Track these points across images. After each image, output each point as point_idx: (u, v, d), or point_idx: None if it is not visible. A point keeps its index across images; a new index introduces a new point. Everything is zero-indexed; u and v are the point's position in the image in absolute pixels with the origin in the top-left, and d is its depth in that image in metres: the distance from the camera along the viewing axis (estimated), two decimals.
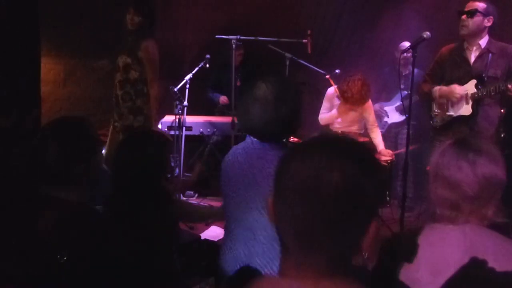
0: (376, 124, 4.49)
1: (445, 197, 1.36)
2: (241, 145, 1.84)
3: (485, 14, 3.26)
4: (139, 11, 3.69)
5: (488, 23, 3.28)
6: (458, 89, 3.34)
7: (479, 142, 1.40)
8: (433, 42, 3.33)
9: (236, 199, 1.75)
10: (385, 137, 4.80)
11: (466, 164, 1.33)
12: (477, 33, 3.31)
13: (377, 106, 4.92)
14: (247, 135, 1.82)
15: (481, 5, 3.25)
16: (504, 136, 4.04)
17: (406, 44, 4.45)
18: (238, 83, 5.10)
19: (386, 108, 4.96)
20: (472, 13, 3.26)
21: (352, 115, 4.50)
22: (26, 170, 2.00)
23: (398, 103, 4.85)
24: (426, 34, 3.09)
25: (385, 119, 4.96)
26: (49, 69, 5.34)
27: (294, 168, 0.87)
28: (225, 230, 1.87)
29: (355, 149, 0.91)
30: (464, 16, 3.30)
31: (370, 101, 4.45)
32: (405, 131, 4.08)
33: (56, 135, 1.69)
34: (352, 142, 0.95)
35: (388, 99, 5.02)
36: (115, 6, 4.16)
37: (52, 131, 1.71)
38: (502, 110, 3.67)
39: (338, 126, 4.57)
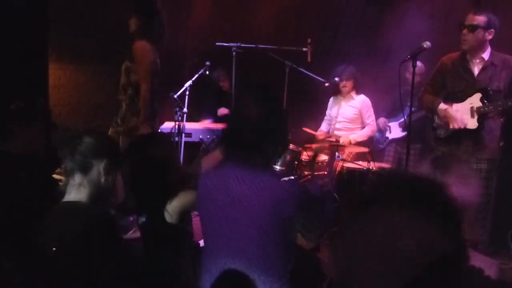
0: (369, 123, 4.73)
1: None
2: (225, 169, 1.77)
3: (486, 27, 3.20)
4: (139, 16, 3.73)
5: (489, 36, 3.24)
6: (461, 118, 3.28)
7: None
8: (435, 51, 3.34)
9: (222, 225, 1.70)
10: (385, 151, 4.84)
11: None
12: (478, 47, 3.27)
13: (381, 120, 4.94)
14: (230, 160, 1.77)
15: (482, 19, 3.19)
16: (502, 145, 4.05)
17: (422, 65, 4.33)
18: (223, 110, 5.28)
19: (390, 124, 4.95)
20: (473, 28, 3.20)
21: (350, 110, 4.72)
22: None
23: (402, 119, 4.84)
24: (426, 44, 3.09)
25: (387, 134, 4.94)
26: (50, 74, 5.34)
27: (367, 227, 0.78)
28: (205, 252, 1.80)
29: (436, 202, 0.80)
30: (464, 30, 3.24)
31: (367, 100, 4.70)
32: (414, 146, 4.08)
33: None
34: (431, 192, 0.82)
35: (395, 115, 4.98)
36: (116, 12, 4.17)
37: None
38: (501, 119, 3.68)
39: (339, 126, 4.68)
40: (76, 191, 1.79)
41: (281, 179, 1.82)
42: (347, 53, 5.70)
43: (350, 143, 4.64)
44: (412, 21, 4.81)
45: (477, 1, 5.09)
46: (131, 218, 4.14)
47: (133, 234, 4.04)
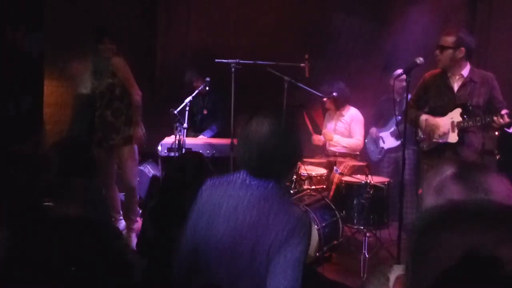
0: (358, 137, 4.80)
1: None
2: (227, 178, 1.76)
3: (454, 47, 3.35)
4: (113, 39, 4.11)
5: (460, 54, 3.37)
6: (443, 124, 3.42)
7: (483, 178, 1.20)
8: (431, 66, 3.43)
9: (217, 238, 1.67)
10: (383, 162, 4.90)
11: None
12: (453, 65, 3.42)
13: (373, 130, 5.01)
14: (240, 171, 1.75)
15: (450, 40, 3.36)
16: (499, 158, 4.09)
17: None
18: (205, 112, 5.39)
19: (381, 134, 5.03)
20: (442, 48, 3.39)
21: (340, 125, 4.82)
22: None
23: (393, 129, 4.91)
24: (420, 60, 3.17)
25: (381, 144, 5.01)
26: (51, 91, 5.41)
27: (447, 241, 0.69)
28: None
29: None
30: (437, 51, 3.43)
31: (357, 115, 4.77)
32: (407, 155, 4.11)
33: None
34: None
35: (384, 125, 5.08)
36: (117, 30, 4.28)
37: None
38: (496, 133, 3.74)
39: (333, 144, 4.75)
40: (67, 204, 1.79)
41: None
42: (345, 68, 5.77)
43: (331, 139, 4.79)
44: (408, 36, 4.89)
45: (472, 10, 5.19)
46: (123, 223, 4.21)
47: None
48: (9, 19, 4.34)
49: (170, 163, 4.18)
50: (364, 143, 5.00)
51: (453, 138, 3.42)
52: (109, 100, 4.07)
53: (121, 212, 4.26)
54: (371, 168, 4.50)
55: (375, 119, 5.05)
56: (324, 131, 4.91)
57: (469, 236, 0.67)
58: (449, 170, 1.21)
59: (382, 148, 5.01)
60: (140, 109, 4.12)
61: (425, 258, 0.70)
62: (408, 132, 3.56)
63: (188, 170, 2.39)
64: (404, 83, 4.27)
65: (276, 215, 1.61)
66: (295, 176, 4.15)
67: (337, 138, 4.80)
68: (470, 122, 3.32)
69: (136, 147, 4.21)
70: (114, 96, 4.06)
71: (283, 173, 1.76)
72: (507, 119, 3.14)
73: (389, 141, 4.98)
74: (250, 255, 1.60)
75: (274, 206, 1.63)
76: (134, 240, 4.05)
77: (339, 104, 4.82)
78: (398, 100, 4.80)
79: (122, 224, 4.22)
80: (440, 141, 3.47)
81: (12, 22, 4.32)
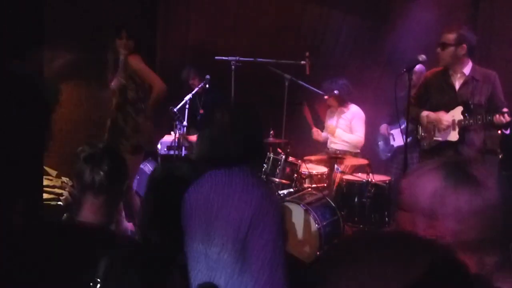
0: (359, 134, 4.75)
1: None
2: (205, 175, 1.79)
3: (456, 44, 3.33)
4: (132, 36, 3.90)
5: (462, 51, 3.35)
6: (445, 117, 3.40)
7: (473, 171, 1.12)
8: (431, 63, 3.41)
9: (198, 232, 1.70)
10: (392, 161, 4.84)
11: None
12: (455, 63, 3.39)
13: (384, 126, 4.95)
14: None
15: (451, 37, 3.33)
16: (502, 157, 4.06)
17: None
18: (201, 111, 5.28)
19: (392, 131, 4.96)
20: (443, 46, 3.36)
21: (342, 123, 4.78)
22: None
23: (404, 125, 4.85)
24: (422, 57, 3.15)
25: (391, 142, 4.95)
26: None
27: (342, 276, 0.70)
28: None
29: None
30: (438, 49, 3.40)
31: (359, 112, 4.74)
32: (415, 154, 4.08)
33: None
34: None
35: (395, 122, 4.98)
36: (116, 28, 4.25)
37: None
38: (499, 132, 3.71)
39: (334, 142, 4.73)
40: (90, 210, 1.71)
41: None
42: (346, 65, 5.75)
43: (333, 133, 4.76)
44: (409, 34, 4.87)
45: (475, 8, 5.16)
46: (125, 224, 4.17)
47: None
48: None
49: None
50: (367, 140, 4.92)
51: (453, 136, 3.40)
52: (121, 103, 3.88)
53: (123, 214, 4.22)
54: (380, 167, 4.46)
55: (391, 118, 4.86)
56: (327, 123, 4.87)
57: (361, 271, 0.68)
58: (437, 176, 1.11)
59: (392, 146, 4.94)
60: (158, 103, 3.89)
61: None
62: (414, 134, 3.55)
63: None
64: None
65: (240, 197, 1.64)
66: (295, 175, 4.13)
67: (339, 132, 4.76)
68: (471, 121, 3.30)
69: (142, 155, 4.07)
70: (126, 99, 3.86)
71: (243, 158, 1.76)
72: (508, 118, 3.12)
73: (399, 138, 4.91)
74: (223, 243, 1.62)
75: (237, 189, 1.66)
76: None
77: (341, 101, 4.79)
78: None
79: (124, 224, 4.18)
80: (440, 139, 3.45)
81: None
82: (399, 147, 4.87)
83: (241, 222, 1.61)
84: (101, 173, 1.71)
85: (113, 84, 3.88)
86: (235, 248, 1.61)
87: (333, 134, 4.77)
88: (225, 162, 1.74)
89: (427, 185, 1.09)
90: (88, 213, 1.72)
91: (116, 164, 1.77)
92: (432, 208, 1.06)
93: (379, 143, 5.05)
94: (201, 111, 5.40)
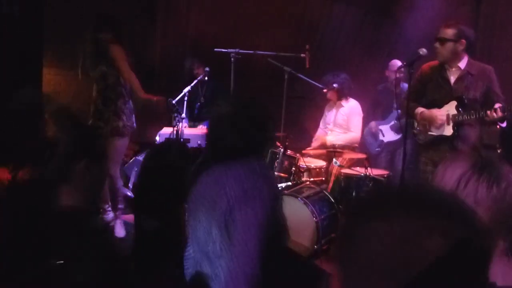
0: (355, 130, 4.69)
1: None
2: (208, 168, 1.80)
3: (455, 39, 3.29)
4: (112, 28, 4.03)
5: (461, 46, 3.31)
6: (439, 116, 3.37)
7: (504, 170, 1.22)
8: (432, 57, 3.38)
9: (193, 221, 1.73)
10: (380, 156, 4.87)
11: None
12: (453, 58, 3.35)
13: (372, 124, 4.97)
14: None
15: (450, 32, 3.29)
16: (501, 152, 4.05)
17: (397, 62, 4.55)
18: (203, 100, 5.29)
19: (381, 127, 4.99)
20: (442, 41, 3.31)
21: (340, 117, 4.74)
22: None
23: (393, 122, 4.86)
24: (423, 50, 3.12)
25: (381, 137, 4.98)
26: (48, 79, 5.37)
27: (375, 231, 0.68)
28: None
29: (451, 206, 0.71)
30: (436, 43, 3.35)
31: (356, 107, 4.67)
32: (401, 150, 4.09)
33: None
34: (441, 196, 0.75)
35: (383, 117, 5.04)
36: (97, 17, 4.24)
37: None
38: (498, 127, 3.69)
39: (331, 138, 4.70)
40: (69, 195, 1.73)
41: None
42: (347, 59, 5.72)
43: (324, 143, 4.69)
44: (410, 28, 4.84)
45: (477, 3, 5.13)
46: (111, 214, 4.18)
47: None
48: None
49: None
50: (362, 136, 4.94)
51: (448, 131, 3.37)
52: (102, 88, 4.02)
53: (110, 203, 4.22)
54: (371, 160, 4.46)
55: (371, 108, 5.01)
56: (317, 134, 4.82)
57: (396, 225, 0.67)
58: (466, 165, 1.24)
59: (382, 141, 4.98)
60: (134, 79, 4.02)
61: (354, 247, 0.70)
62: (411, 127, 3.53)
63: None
64: (399, 75, 4.26)
65: (222, 182, 1.64)
66: (293, 168, 4.11)
67: (330, 138, 4.72)
68: (465, 116, 3.27)
69: (126, 140, 4.12)
70: (107, 85, 4.01)
71: (247, 151, 1.75)
72: (500, 113, 3.08)
73: (389, 134, 4.94)
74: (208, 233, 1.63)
75: (221, 177, 1.66)
76: (120, 228, 4.09)
77: (340, 95, 4.76)
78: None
79: (110, 215, 4.19)
80: (435, 134, 3.43)
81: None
82: (389, 142, 4.94)
83: (228, 202, 1.62)
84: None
85: (96, 71, 4.01)
86: (221, 225, 1.62)
87: (325, 143, 4.70)
88: (229, 154, 1.73)
89: (457, 171, 1.23)
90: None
91: None
92: (455, 189, 1.19)
93: (366, 137, 5.09)
94: (202, 100, 5.35)
